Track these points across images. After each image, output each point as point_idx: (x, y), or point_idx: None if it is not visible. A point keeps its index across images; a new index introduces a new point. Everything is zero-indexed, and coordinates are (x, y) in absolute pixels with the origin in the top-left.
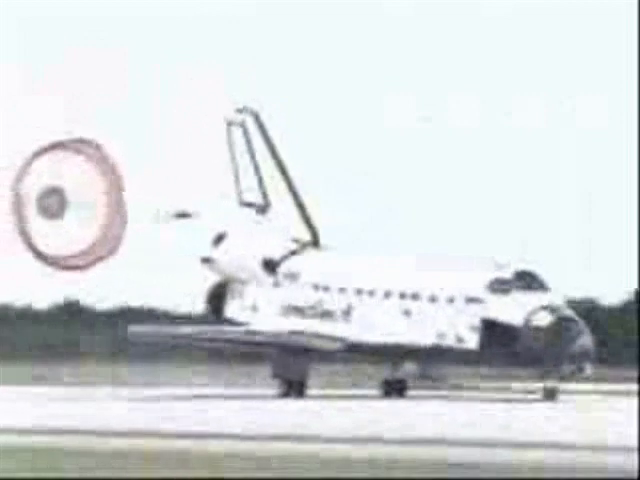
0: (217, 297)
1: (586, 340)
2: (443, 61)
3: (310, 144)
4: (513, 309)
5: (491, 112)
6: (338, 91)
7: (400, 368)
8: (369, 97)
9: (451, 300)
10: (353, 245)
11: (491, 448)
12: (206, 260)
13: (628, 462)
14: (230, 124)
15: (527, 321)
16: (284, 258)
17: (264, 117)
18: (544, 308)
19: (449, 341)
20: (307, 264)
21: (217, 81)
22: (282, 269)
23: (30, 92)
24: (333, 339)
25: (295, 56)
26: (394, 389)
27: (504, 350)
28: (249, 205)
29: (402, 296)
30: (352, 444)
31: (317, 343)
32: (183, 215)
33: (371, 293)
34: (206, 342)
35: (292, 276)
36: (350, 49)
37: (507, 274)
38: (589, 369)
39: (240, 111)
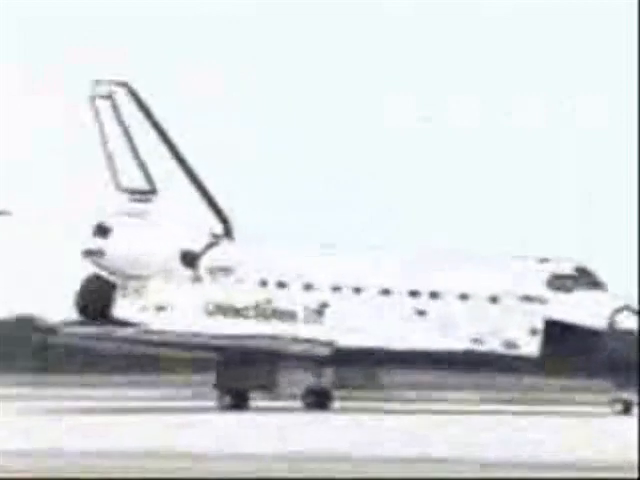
0: (94, 295)
1: None
2: (443, 61)
3: (310, 144)
4: (587, 309)
5: (491, 112)
6: (338, 91)
7: (324, 375)
8: (369, 97)
9: (494, 299)
10: (353, 245)
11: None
12: (90, 253)
13: None
14: (96, 98)
15: (612, 323)
16: (206, 250)
17: (271, 119)
18: (622, 309)
19: (491, 346)
20: (242, 257)
21: (217, 81)
22: (204, 263)
23: (30, 92)
24: (321, 344)
25: (295, 56)
26: (318, 400)
27: (578, 357)
28: (130, 192)
29: (413, 294)
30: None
31: (298, 348)
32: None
33: (357, 290)
34: (134, 346)
35: (223, 271)
36: (350, 49)
37: (567, 269)
38: None
39: (107, 84)
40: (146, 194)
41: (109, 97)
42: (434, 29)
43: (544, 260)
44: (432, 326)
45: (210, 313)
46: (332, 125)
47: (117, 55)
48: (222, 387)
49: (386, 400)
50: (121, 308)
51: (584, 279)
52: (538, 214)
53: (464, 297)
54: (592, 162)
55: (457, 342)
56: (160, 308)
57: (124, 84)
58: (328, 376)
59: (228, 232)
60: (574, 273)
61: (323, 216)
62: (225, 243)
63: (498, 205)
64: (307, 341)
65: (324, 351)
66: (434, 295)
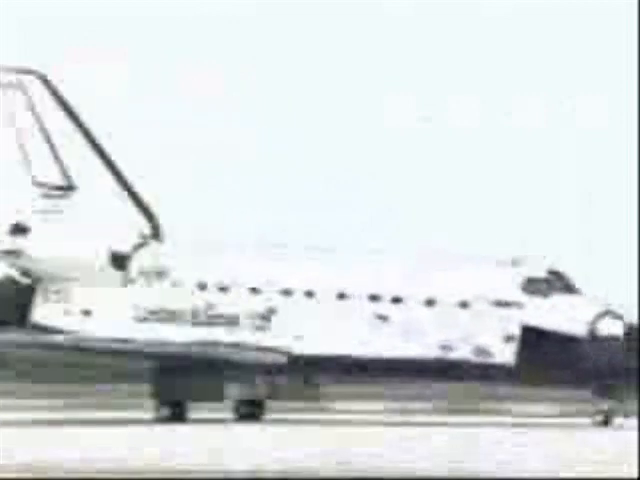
0: (10, 299)
1: None
2: (443, 61)
3: (310, 144)
4: (565, 315)
5: (491, 112)
6: (338, 91)
7: (256, 386)
8: (369, 97)
9: (464, 304)
10: (353, 245)
11: None
12: (7, 253)
13: None
14: (5, 87)
15: (593, 330)
16: (135, 251)
17: (271, 119)
18: (605, 314)
19: (462, 354)
20: (177, 259)
21: (217, 81)
22: (135, 264)
23: None
24: (276, 351)
25: (295, 56)
26: (250, 411)
27: (557, 366)
28: (46, 187)
29: (374, 298)
30: None
31: (250, 356)
32: None
33: (309, 294)
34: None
35: (157, 273)
36: (350, 49)
37: (540, 272)
38: None
39: (18, 72)
40: (63, 190)
41: (20, 86)
42: (434, 29)
43: (515, 261)
44: (395, 332)
45: (142, 318)
46: (332, 125)
47: (117, 55)
48: (161, 398)
49: (322, 411)
50: (41, 313)
51: (558, 283)
52: (538, 214)
53: (430, 302)
54: (592, 162)
55: (423, 349)
56: (86, 313)
57: (34, 72)
58: (262, 387)
59: (156, 232)
60: (549, 276)
61: (322, 216)
62: (154, 244)
63: (498, 205)
64: (260, 349)
65: (280, 359)
66: (396, 300)
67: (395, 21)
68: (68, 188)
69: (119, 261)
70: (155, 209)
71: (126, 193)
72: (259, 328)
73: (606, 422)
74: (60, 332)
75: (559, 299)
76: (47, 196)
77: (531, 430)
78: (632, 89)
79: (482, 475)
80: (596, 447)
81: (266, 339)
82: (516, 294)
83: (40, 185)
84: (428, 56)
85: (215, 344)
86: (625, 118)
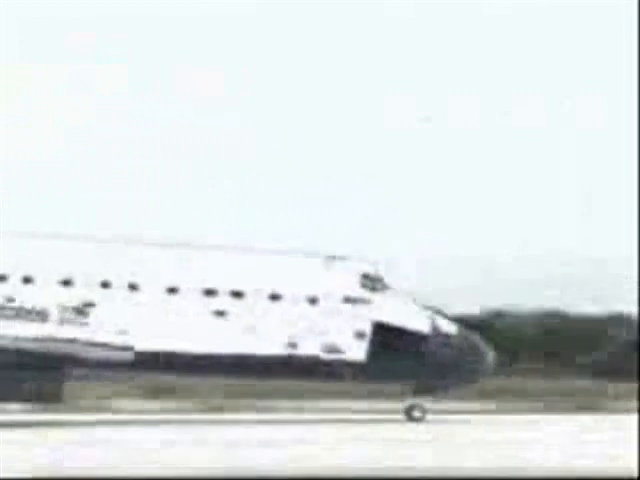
0: None
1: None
2: (443, 61)
3: (310, 144)
4: (407, 312)
5: (491, 112)
6: (338, 91)
7: None
8: (369, 97)
9: (313, 300)
10: (353, 246)
11: None
12: None
13: None
14: None
15: (435, 327)
16: None
17: (271, 119)
18: (437, 312)
19: (311, 351)
20: None
21: (217, 81)
22: None
23: (30, 92)
24: (120, 348)
25: (295, 56)
26: None
27: (406, 362)
28: None
29: (209, 293)
30: None
31: (93, 354)
32: None
33: (133, 287)
34: None
35: None
36: (350, 49)
37: (371, 269)
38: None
39: None
40: None
41: None
42: (434, 29)
43: (330, 258)
44: (235, 328)
45: None
46: (332, 125)
47: (117, 55)
48: None
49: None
50: None
51: (381, 280)
52: (538, 214)
53: (275, 297)
54: (592, 162)
55: (267, 346)
56: None
57: None
58: None
59: None
60: (376, 274)
61: (323, 216)
62: None
63: (498, 205)
64: (103, 345)
65: (126, 356)
66: (237, 295)
67: (395, 21)
68: None
69: None
70: None
71: None
72: (71, 322)
73: (414, 417)
74: None
75: (390, 295)
76: None
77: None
78: (632, 89)
79: None
80: (596, 447)
81: (82, 333)
82: (360, 291)
83: None
84: (428, 56)
85: (56, 340)
86: (625, 118)
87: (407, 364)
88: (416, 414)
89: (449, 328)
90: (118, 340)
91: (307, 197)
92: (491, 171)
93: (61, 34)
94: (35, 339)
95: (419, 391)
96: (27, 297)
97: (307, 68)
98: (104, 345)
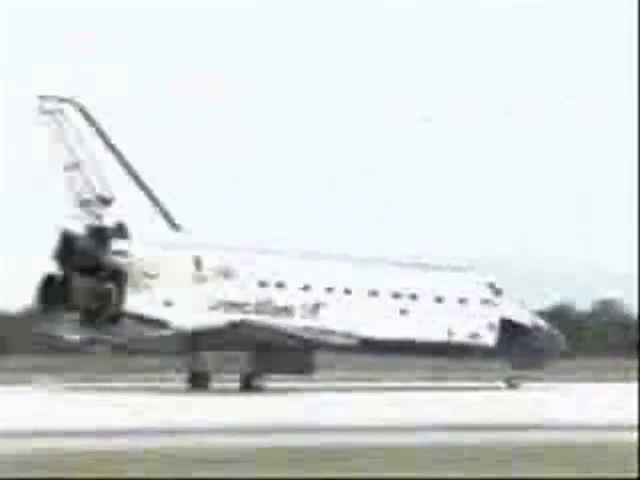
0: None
1: None
2: (443, 61)
3: (310, 144)
4: (517, 310)
5: (491, 112)
6: (338, 92)
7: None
8: (369, 97)
9: (461, 300)
10: (353, 245)
11: None
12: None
13: None
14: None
15: (534, 322)
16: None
17: (271, 119)
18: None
19: (461, 338)
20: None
21: (217, 81)
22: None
23: (30, 92)
24: (338, 334)
25: (295, 56)
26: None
27: (518, 346)
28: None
29: (396, 296)
30: None
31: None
32: None
33: (347, 291)
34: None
35: (225, 272)
36: (350, 49)
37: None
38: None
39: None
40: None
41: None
42: (434, 29)
43: (462, 269)
44: (413, 322)
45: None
46: (332, 125)
47: (117, 55)
48: None
49: None
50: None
51: None
52: (538, 214)
53: (438, 299)
54: (592, 162)
55: (435, 334)
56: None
57: (72, 101)
58: None
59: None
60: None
61: (323, 216)
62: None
63: (498, 205)
64: (331, 332)
65: (351, 341)
66: (413, 297)
67: (395, 21)
68: (107, 200)
69: (197, 262)
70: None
71: (151, 202)
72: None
73: (512, 385)
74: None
75: (506, 298)
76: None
77: None
78: (632, 89)
79: None
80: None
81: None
82: (490, 295)
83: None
84: (428, 56)
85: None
86: (625, 118)
87: (519, 348)
88: (514, 383)
89: (541, 322)
90: (341, 329)
91: (307, 197)
92: (491, 171)
93: (61, 34)
94: (302, 328)
95: (516, 366)
96: (279, 299)
97: (307, 68)
98: (332, 332)
